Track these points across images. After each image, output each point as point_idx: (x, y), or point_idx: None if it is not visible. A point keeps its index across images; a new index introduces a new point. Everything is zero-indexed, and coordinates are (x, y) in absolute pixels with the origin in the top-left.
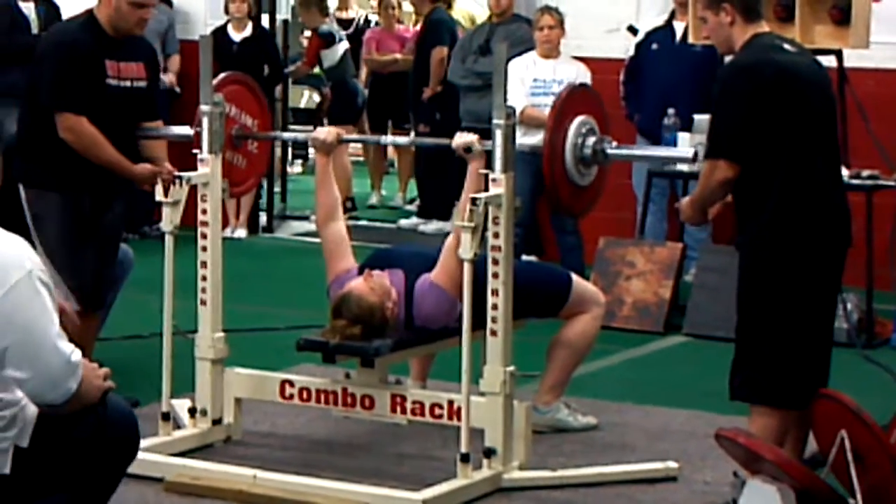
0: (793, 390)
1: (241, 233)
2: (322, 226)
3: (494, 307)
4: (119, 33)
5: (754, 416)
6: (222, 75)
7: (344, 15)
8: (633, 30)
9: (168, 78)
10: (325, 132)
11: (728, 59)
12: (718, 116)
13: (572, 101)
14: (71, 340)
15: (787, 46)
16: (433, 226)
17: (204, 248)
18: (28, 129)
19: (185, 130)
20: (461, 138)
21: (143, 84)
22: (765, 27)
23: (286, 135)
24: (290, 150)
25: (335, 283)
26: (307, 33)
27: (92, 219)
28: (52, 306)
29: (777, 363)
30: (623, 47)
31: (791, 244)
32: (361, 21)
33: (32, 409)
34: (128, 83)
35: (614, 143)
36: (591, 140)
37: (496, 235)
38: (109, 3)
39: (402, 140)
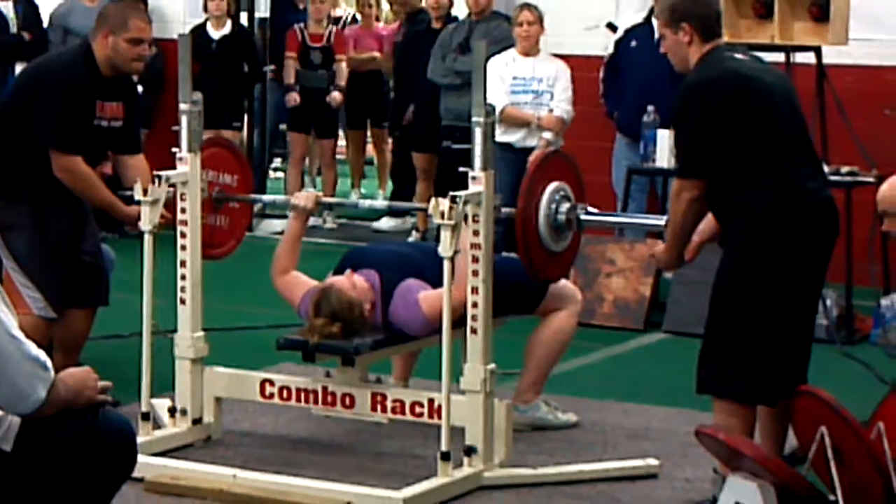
0: (762, 387)
1: None
2: (277, 276)
3: (474, 305)
4: (114, 72)
5: (717, 409)
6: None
7: (332, 13)
8: (612, 27)
9: None
10: (304, 197)
11: None
12: (680, 136)
13: (546, 167)
14: (41, 346)
15: (738, 56)
16: (389, 223)
17: (183, 247)
18: None
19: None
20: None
21: (118, 124)
22: (720, 43)
23: (265, 197)
24: (267, 150)
25: (303, 303)
26: None
27: (58, 227)
28: (7, 315)
29: (749, 359)
30: (602, 44)
31: (778, 242)
32: (349, 19)
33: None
34: (106, 123)
35: (590, 209)
36: (565, 207)
37: (476, 233)
38: (106, 43)
39: (379, 203)
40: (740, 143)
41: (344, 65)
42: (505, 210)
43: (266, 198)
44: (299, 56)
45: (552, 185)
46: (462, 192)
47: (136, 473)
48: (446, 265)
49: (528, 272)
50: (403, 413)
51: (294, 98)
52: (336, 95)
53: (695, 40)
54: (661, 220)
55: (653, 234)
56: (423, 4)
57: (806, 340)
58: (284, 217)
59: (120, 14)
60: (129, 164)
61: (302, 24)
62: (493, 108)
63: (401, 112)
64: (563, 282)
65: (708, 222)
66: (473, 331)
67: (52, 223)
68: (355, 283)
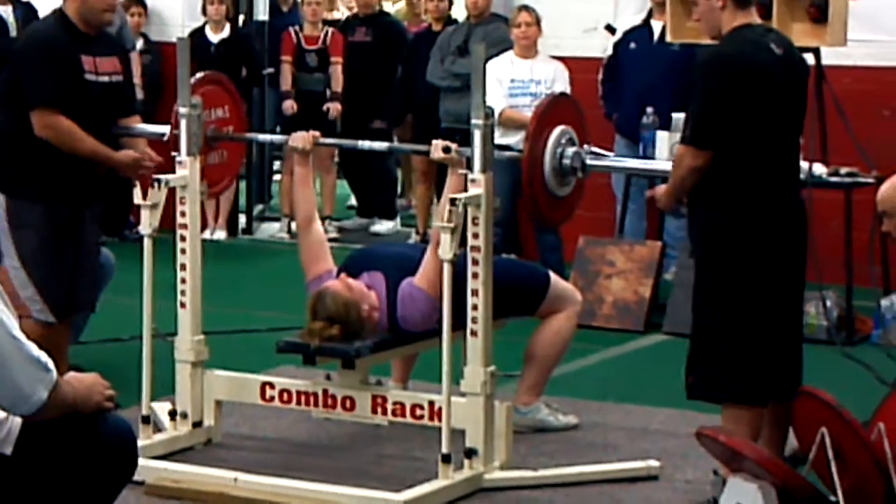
0: (750, 388)
1: (221, 234)
2: (303, 228)
3: (474, 307)
4: (90, 26)
5: (724, 413)
6: (194, 78)
7: (329, 16)
8: (610, 29)
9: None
10: (301, 138)
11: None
12: (693, 103)
13: (553, 110)
14: (42, 347)
15: (771, 43)
16: (386, 226)
17: (183, 251)
18: (7, 138)
19: (161, 129)
20: (438, 150)
21: (120, 78)
22: (754, 16)
23: (261, 136)
24: (267, 153)
25: (314, 282)
26: None
27: (70, 229)
28: (8, 316)
29: (733, 361)
30: (601, 46)
31: (745, 241)
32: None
33: (18, 418)
34: (106, 78)
35: (594, 150)
36: (571, 150)
37: (475, 236)
38: None
39: (379, 145)
40: (735, 128)
41: (339, 68)
42: (510, 153)
43: (262, 137)
44: (294, 59)
45: (558, 129)
46: (461, 195)
47: (136, 477)
48: (447, 268)
49: (532, 215)
50: (404, 415)
51: (291, 105)
52: (335, 107)
53: (728, 6)
54: (668, 165)
55: (652, 237)
56: (388, 7)
57: (790, 340)
58: (285, 217)
59: None
60: (123, 125)
61: (297, 27)
62: (493, 111)
63: (356, 113)
64: (563, 283)
65: None
66: (473, 333)
67: (65, 224)
68: (350, 286)
